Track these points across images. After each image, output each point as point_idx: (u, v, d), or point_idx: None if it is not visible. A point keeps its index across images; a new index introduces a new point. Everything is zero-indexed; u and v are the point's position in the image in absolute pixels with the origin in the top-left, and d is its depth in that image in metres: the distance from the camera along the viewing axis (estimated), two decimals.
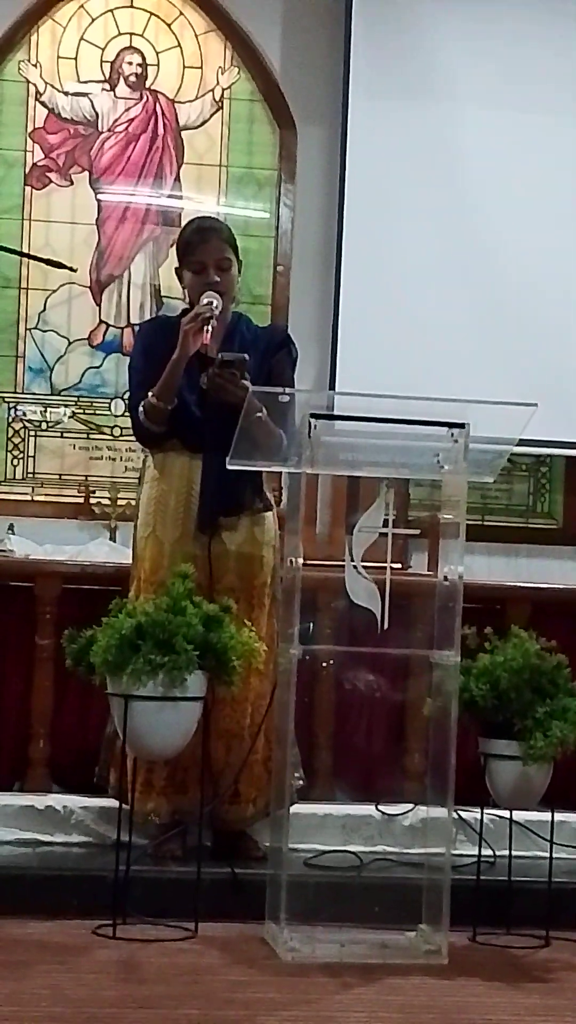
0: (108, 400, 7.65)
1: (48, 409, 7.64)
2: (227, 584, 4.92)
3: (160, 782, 4.91)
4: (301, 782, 5.05)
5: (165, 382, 4.88)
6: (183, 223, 7.61)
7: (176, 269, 5.12)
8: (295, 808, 4.86)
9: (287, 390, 4.55)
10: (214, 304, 4.85)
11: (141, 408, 4.95)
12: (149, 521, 5.02)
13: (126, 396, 5.25)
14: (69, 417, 7.61)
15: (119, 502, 7.41)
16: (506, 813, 4.86)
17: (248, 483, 4.95)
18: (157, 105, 7.75)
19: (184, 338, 4.83)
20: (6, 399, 7.63)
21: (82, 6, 7.69)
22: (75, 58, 7.70)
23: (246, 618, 4.71)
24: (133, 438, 5.22)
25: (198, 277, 4.98)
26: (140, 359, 5.10)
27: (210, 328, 4.80)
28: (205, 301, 4.87)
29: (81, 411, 7.64)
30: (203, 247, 5.00)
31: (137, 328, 5.33)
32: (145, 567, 5.00)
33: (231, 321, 5.08)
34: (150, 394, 4.91)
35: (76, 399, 7.65)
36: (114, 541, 7.13)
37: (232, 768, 4.91)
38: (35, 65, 7.66)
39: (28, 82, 7.66)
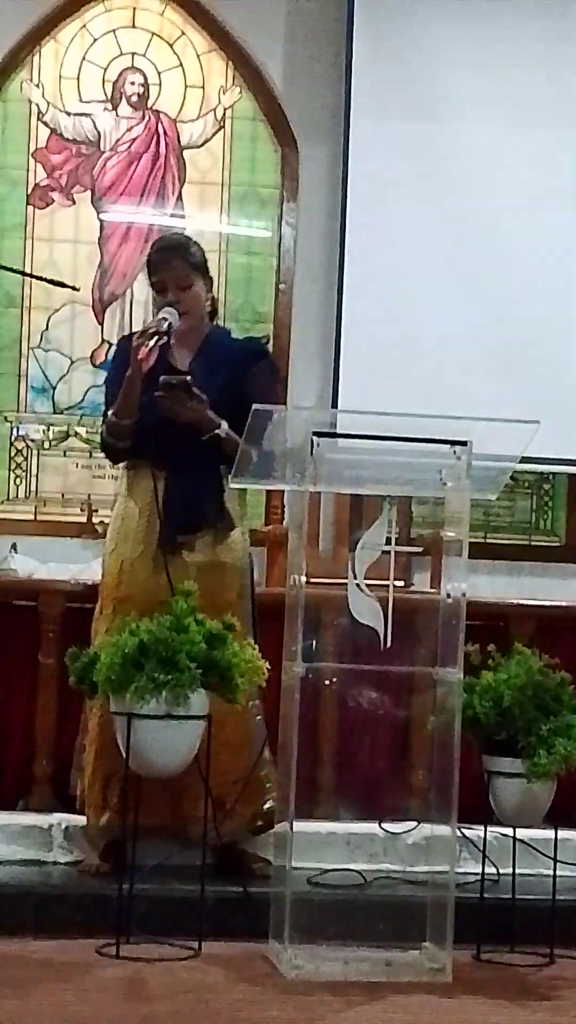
0: None
1: (51, 428, 7.65)
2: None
3: (114, 798, 4.87)
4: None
5: (121, 398, 4.94)
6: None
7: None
8: (299, 826, 4.82)
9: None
10: (166, 322, 4.90)
11: (104, 423, 5.03)
12: (114, 537, 5.08)
13: None
14: (73, 435, 7.62)
15: None
16: (510, 831, 4.85)
17: (208, 501, 4.96)
18: (159, 124, 7.77)
19: (133, 355, 4.88)
20: (8, 418, 7.64)
21: (84, 26, 7.71)
22: (77, 78, 7.71)
23: None
24: None
25: (160, 296, 5.06)
26: (111, 375, 5.18)
27: (149, 344, 4.81)
28: (159, 317, 4.94)
29: (84, 430, 7.65)
30: (161, 267, 5.07)
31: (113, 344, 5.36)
32: (107, 582, 5.04)
33: (205, 335, 5.10)
34: (110, 410, 4.97)
35: (79, 418, 7.65)
36: None
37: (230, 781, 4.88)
38: (38, 85, 7.68)
39: (31, 102, 7.68)
